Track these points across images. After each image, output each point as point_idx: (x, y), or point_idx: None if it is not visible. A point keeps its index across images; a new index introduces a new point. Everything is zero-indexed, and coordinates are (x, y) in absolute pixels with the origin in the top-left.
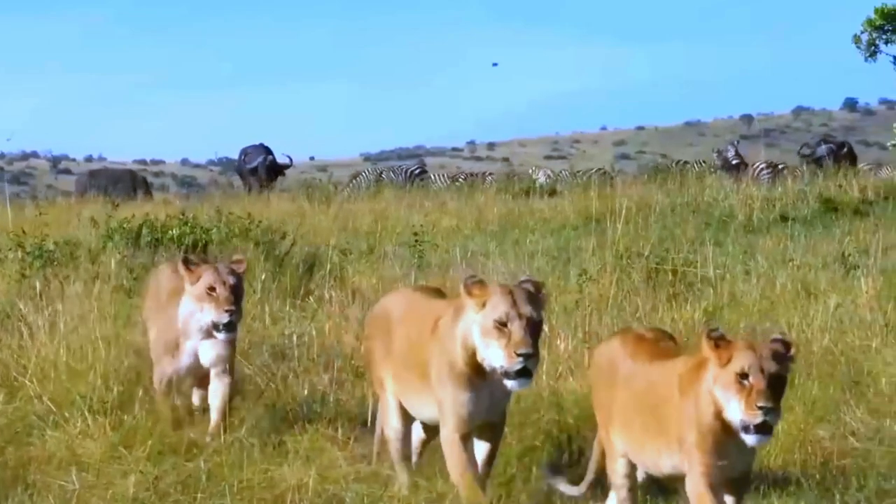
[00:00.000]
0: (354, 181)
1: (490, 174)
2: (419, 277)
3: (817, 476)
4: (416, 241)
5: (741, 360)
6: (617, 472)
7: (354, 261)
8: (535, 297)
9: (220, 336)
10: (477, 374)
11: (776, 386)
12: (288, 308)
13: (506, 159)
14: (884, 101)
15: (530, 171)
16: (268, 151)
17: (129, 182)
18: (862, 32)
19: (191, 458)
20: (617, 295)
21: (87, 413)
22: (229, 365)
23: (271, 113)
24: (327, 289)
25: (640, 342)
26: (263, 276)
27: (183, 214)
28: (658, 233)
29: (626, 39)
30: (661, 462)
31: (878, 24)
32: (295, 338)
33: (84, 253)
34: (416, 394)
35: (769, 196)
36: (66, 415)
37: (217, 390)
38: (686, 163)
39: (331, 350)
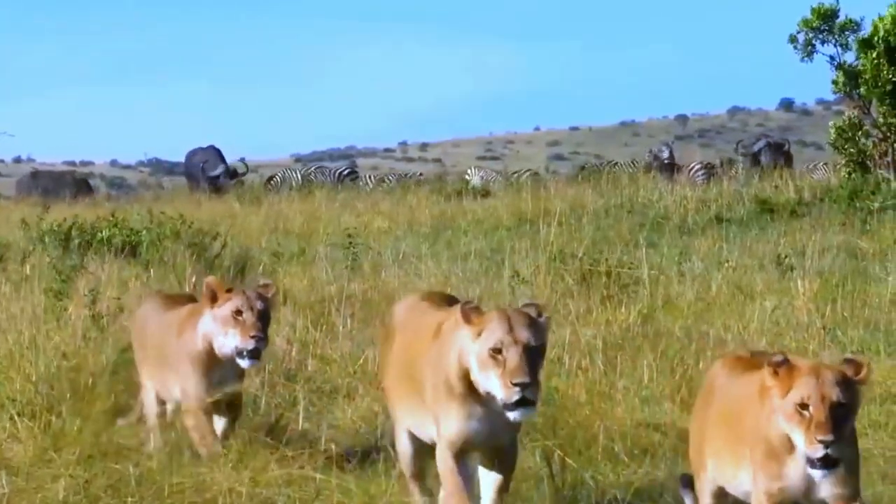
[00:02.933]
0: (270, 182)
1: (420, 174)
2: (351, 279)
3: None
4: (350, 242)
5: (801, 388)
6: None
7: (286, 262)
8: (536, 321)
9: (244, 364)
10: (472, 393)
11: (838, 415)
12: None
13: (438, 160)
14: (820, 102)
15: (468, 171)
16: (222, 157)
17: (72, 183)
18: (798, 32)
19: (121, 462)
20: (551, 297)
21: (15, 416)
22: (240, 391)
23: (198, 112)
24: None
25: (739, 361)
26: (194, 279)
27: (113, 216)
28: (592, 234)
29: (559, 39)
30: (740, 482)
31: (814, 24)
32: None
33: (13, 255)
34: (414, 409)
35: (704, 197)
36: None
37: (225, 417)
38: (616, 163)
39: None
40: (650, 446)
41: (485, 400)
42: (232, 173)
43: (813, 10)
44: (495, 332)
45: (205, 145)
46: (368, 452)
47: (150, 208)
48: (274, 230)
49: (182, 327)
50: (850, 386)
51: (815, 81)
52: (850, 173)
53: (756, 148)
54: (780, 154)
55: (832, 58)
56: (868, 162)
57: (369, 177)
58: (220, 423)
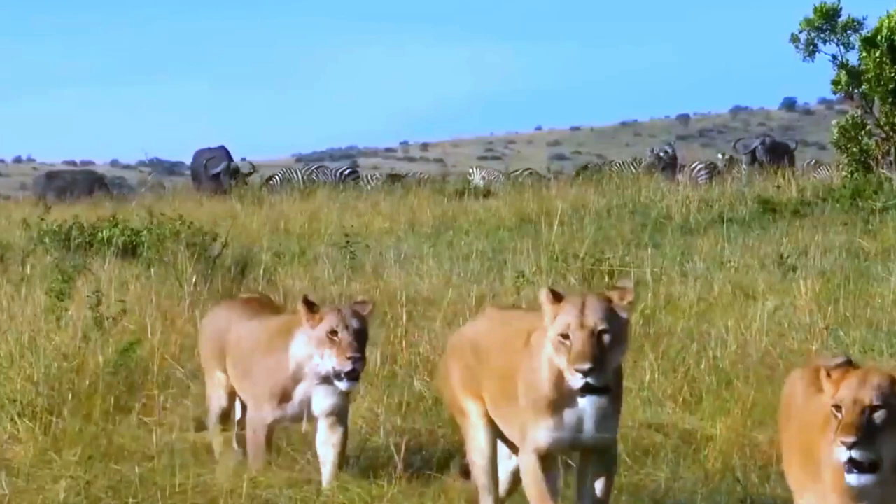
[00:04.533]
0: (269, 183)
1: (418, 174)
2: (352, 279)
3: (756, 480)
4: (348, 242)
5: (841, 392)
6: None
7: (286, 263)
8: (611, 306)
9: (342, 386)
10: (563, 396)
11: (871, 421)
12: None
13: (439, 160)
14: (823, 101)
15: (469, 171)
16: (229, 156)
17: (89, 182)
18: (800, 32)
19: (122, 463)
20: None
21: (15, 417)
22: (343, 414)
23: (198, 112)
24: (259, 291)
25: (817, 373)
26: (194, 279)
27: (114, 216)
28: (594, 234)
29: (560, 38)
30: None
31: (816, 23)
32: None
33: (14, 255)
34: (515, 416)
35: (706, 197)
36: None
37: (331, 441)
38: (612, 162)
39: None
40: (652, 447)
41: (574, 403)
42: (233, 171)
43: (815, 8)
44: (565, 316)
45: (214, 145)
46: (370, 453)
47: (151, 208)
48: (275, 230)
49: (271, 344)
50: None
51: (817, 81)
52: (852, 173)
53: (752, 146)
54: (779, 153)
55: (834, 57)
56: (870, 161)
57: (369, 176)
58: (328, 446)
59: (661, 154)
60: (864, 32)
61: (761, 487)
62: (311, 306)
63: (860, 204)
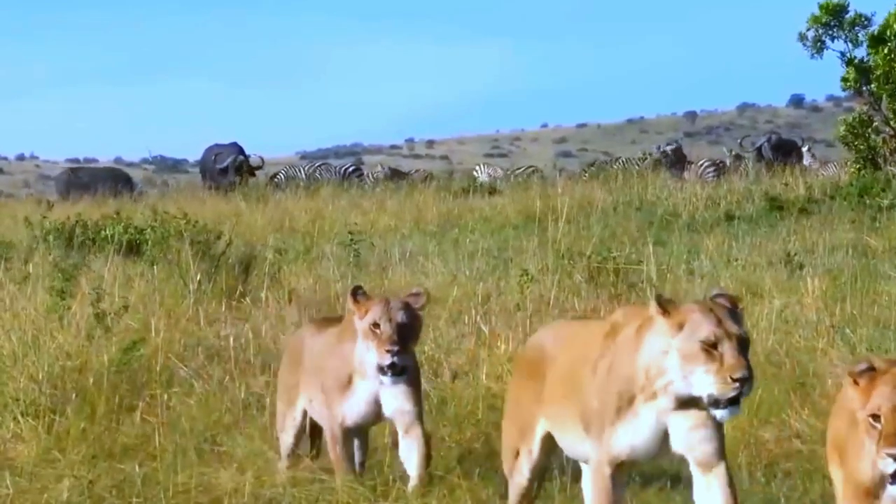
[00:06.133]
0: (273, 180)
1: (418, 171)
2: (356, 277)
3: (762, 478)
4: (352, 239)
5: (876, 399)
6: None
7: (291, 261)
8: (736, 313)
9: (386, 381)
10: (642, 406)
11: None
12: (224, 309)
13: (445, 157)
14: (830, 98)
15: (475, 168)
16: (240, 151)
17: (113, 180)
18: (808, 29)
19: (125, 462)
20: (559, 295)
21: (19, 416)
22: (416, 416)
23: (202, 109)
24: (264, 289)
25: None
26: (199, 277)
27: (117, 214)
28: (600, 232)
29: (566, 35)
30: None
31: (823, 20)
32: (231, 339)
33: (17, 253)
34: (574, 423)
35: (713, 194)
36: None
37: (411, 449)
38: (618, 158)
39: (267, 352)
40: None
41: (654, 410)
42: (238, 167)
43: (821, 6)
44: (704, 324)
45: (225, 142)
46: (373, 452)
47: (155, 206)
48: (279, 228)
49: (339, 342)
50: None
51: (825, 77)
52: (860, 170)
53: (758, 144)
54: (785, 150)
55: (842, 54)
56: (878, 159)
57: (371, 174)
58: (411, 454)
59: (668, 150)
60: (871, 29)
61: (767, 486)
62: (360, 298)
63: (868, 201)
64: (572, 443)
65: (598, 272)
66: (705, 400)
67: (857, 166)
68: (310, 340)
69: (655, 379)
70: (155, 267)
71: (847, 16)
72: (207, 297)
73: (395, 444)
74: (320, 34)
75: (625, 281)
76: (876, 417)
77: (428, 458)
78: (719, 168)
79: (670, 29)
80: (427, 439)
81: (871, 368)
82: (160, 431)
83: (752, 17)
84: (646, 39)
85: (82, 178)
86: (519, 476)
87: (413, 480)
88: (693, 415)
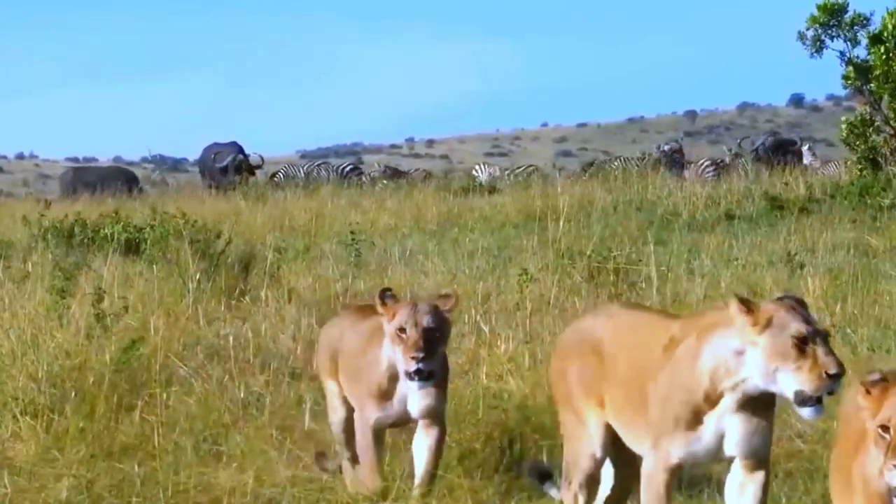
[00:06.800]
0: (273, 179)
1: (417, 170)
2: (356, 276)
3: None
4: (353, 239)
5: (887, 410)
6: None
7: (290, 260)
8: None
9: (414, 386)
10: (704, 414)
11: None
12: (223, 308)
13: (445, 156)
14: (831, 97)
15: (475, 167)
16: (240, 150)
17: (119, 179)
18: (807, 29)
19: (125, 461)
20: (559, 295)
21: (18, 415)
22: (439, 415)
23: (202, 108)
24: (263, 289)
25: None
26: (198, 276)
27: (116, 213)
28: (600, 231)
29: (566, 34)
30: None
31: (822, 20)
32: (231, 339)
33: (16, 252)
34: (637, 423)
35: (714, 194)
36: None
37: (425, 443)
38: (618, 157)
39: (267, 351)
40: None
41: (715, 415)
42: (238, 166)
43: (820, 6)
44: (793, 322)
45: (224, 141)
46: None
47: (154, 205)
48: (279, 227)
49: (370, 342)
50: None
51: (825, 77)
52: (861, 170)
53: (756, 144)
54: (784, 149)
55: (842, 53)
56: (879, 158)
57: (368, 173)
58: (423, 447)
59: (667, 150)
60: (870, 28)
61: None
62: (388, 301)
63: (868, 201)
64: (640, 444)
65: (598, 271)
66: (792, 398)
67: (859, 166)
68: (348, 332)
69: (723, 379)
70: (154, 266)
71: (846, 16)
72: (207, 297)
73: (396, 445)
74: (321, 33)
75: (625, 280)
76: (885, 429)
77: (438, 456)
78: (719, 167)
79: (670, 28)
80: (442, 437)
81: (884, 379)
82: (159, 431)
83: (751, 16)
84: (646, 39)
85: (90, 177)
86: (584, 460)
87: (420, 476)
88: (752, 419)
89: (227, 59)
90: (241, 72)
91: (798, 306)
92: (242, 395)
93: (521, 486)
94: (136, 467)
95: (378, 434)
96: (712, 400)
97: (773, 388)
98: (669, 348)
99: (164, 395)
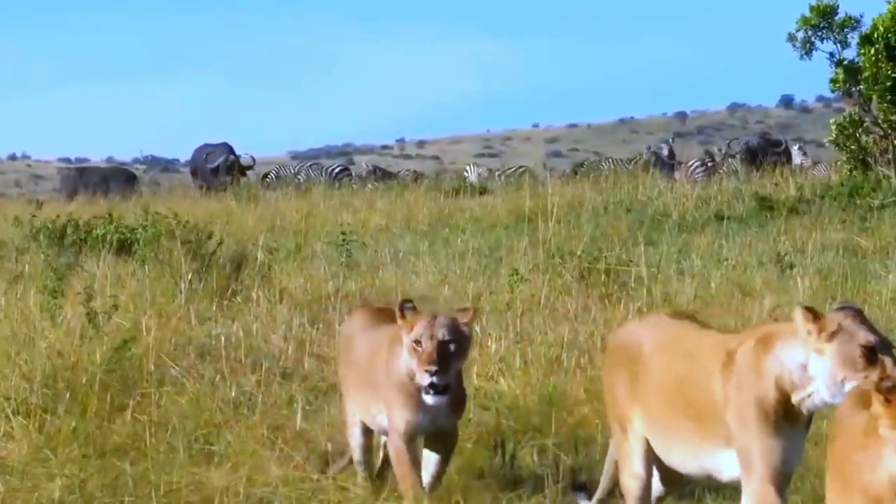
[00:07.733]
0: (265, 180)
1: (408, 171)
2: (347, 277)
3: None
4: (344, 239)
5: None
6: None
7: (282, 260)
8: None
9: (428, 400)
10: (786, 418)
11: None
12: (214, 308)
13: (436, 157)
14: (820, 99)
15: (465, 168)
16: (231, 151)
17: (122, 179)
18: (797, 31)
19: (117, 461)
20: (549, 295)
21: (10, 415)
22: (453, 426)
23: (194, 109)
24: (255, 289)
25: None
26: (190, 276)
27: (109, 214)
28: (590, 232)
29: (558, 35)
30: None
31: (813, 21)
32: (222, 338)
33: (8, 253)
34: (684, 439)
35: (704, 194)
36: None
37: (437, 447)
38: (608, 158)
39: (258, 351)
40: None
41: (796, 424)
42: (229, 167)
43: (811, 7)
44: (861, 329)
45: (215, 142)
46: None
47: (146, 206)
48: (270, 227)
49: (391, 350)
50: None
51: (815, 78)
52: (850, 170)
53: (742, 144)
54: (769, 150)
55: (832, 55)
56: (868, 159)
57: (357, 174)
58: (432, 459)
59: (657, 151)
60: (860, 30)
61: None
62: (407, 313)
63: (858, 202)
64: (682, 459)
65: (588, 272)
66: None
67: (849, 167)
68: (361, 336)
69: (792, 392)
70: (146, 266)
71: (836, 17)
72: (198, 297)
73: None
74: (320, 33)
75: (615, 281)
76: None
77: (447, 464)
78: (709, 167)
79: (661, 30)
80: (453, 447)
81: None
82: (151, 430)
83: (742, 18)
84: (637, 40)
85: (91, 177)
86: (630, 466)
87: (427, 483)
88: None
89: (226, 60)
90: (240, 72)
91: (860, 315)
92: (234, 394)
93: (512, 485)
94: (128, 467)
95: (412, 445)
96: (790, 407)
97: (838, 401)
98: (728, 365)
99: (156, 395)
